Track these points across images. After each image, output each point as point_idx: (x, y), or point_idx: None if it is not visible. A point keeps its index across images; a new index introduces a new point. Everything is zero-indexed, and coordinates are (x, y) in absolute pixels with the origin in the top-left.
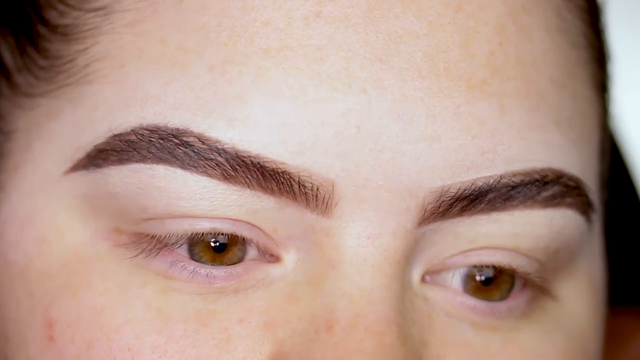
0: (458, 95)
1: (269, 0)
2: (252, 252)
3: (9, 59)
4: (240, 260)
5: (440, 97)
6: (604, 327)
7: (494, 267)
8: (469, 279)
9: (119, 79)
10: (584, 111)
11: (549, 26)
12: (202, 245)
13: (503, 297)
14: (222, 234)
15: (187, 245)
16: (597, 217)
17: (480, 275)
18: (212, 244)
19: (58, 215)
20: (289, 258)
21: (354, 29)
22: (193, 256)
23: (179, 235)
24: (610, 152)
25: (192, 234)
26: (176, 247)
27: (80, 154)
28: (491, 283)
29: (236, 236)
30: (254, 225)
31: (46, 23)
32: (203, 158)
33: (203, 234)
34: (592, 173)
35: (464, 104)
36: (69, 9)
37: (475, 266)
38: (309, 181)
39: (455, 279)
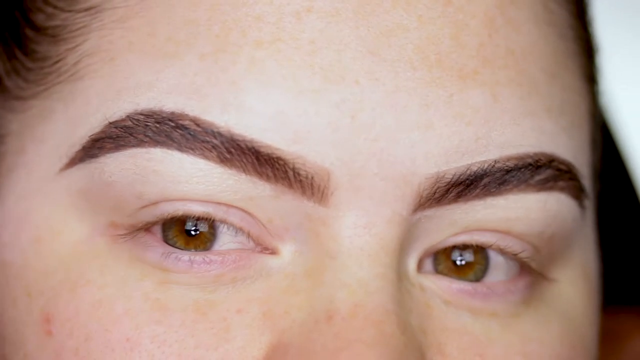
0: (450, 84)
1: None
2: (243, 241)
3: None
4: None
5: (433, 87)
6: (599, 316)
7: (475, 247)
8: (439, 260)
9: (110, 72)
10: (574, 100)
11: (537, 18)
12: (184, 237)
13: (478, 279)
14: (211, 220)
15: (180, 235)
16: (590, 205)
17: (461, 260)
18: (199, 230)
19: (53, 215)
20: (286, 250)
21: (345, 23)
22: (188, 244)
23: (169, 214)
24: (607, 148)
25: (183, 214)
26: (167, 228)
27: (76, 148)
28: (464, 263)
29: (226, 222)
30: (248, 213)
31: (34, 26)
32: (199, 140)
33: (195, 216)
34: (584, 161)
35: (457, 92)
36: (57, 11)
37: (465, 245)
38: (304, 169)
39: (427, 263)
